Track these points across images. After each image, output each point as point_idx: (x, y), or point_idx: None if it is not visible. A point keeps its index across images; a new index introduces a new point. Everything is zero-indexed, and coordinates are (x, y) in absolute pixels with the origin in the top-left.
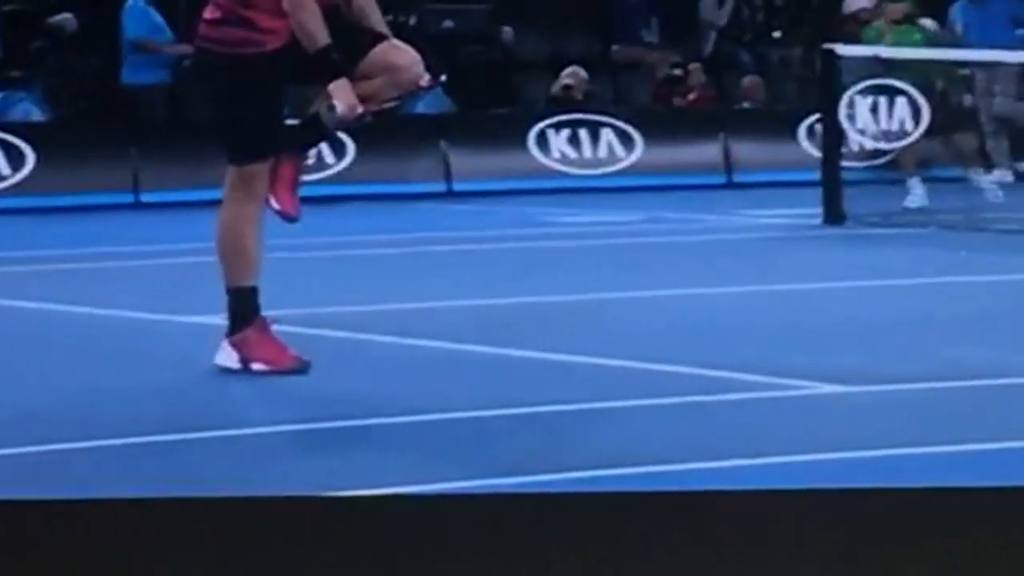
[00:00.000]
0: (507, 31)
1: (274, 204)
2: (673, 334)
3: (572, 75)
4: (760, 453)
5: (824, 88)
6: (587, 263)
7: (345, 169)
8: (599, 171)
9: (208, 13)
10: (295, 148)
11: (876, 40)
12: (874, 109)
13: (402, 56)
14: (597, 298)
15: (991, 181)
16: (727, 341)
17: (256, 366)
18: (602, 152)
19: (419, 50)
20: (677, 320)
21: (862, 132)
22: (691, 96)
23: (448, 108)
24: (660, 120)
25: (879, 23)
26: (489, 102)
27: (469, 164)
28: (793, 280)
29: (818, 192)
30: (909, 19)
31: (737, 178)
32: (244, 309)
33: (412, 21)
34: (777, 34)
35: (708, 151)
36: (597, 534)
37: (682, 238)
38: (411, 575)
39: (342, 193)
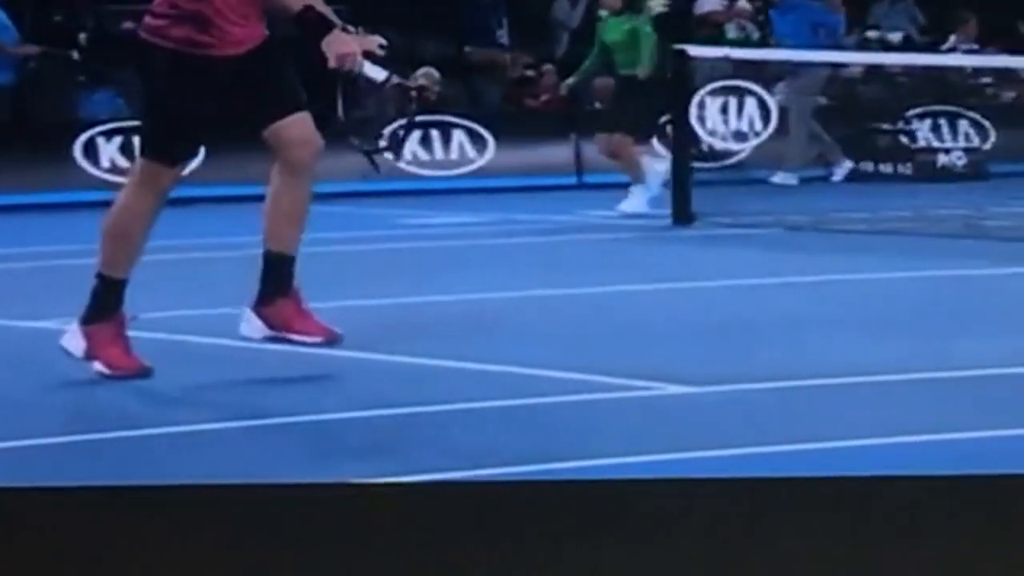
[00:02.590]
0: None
1: (108, 371)
2: (522, 336)
3: (425, 76)
4: (604, 454)
5: (675, 89)
6: (438, 265)
7: (196, 171)
8: (451, 172)
9: (159, 6)
10: (113, 310)
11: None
12: (724, 109)
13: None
14: (449, 300)
15: (784, 176)
16: (575, 342)
17: (97, 365)
18: (454, 153)
19: None
20: (526, 322)
21: (712, 133)
22: (543, 97)
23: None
24: (512, 121)
25: (603, 13)
26: (344, 104)
27: (319, 167)
28: (641, 281)
29: (668, 193)
30: (632, 7)
31: (588, 179)
32: (106, 301)
33: None
34: None
35: (560, 152)
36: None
37: (533, 239)
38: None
39: (197, 195)
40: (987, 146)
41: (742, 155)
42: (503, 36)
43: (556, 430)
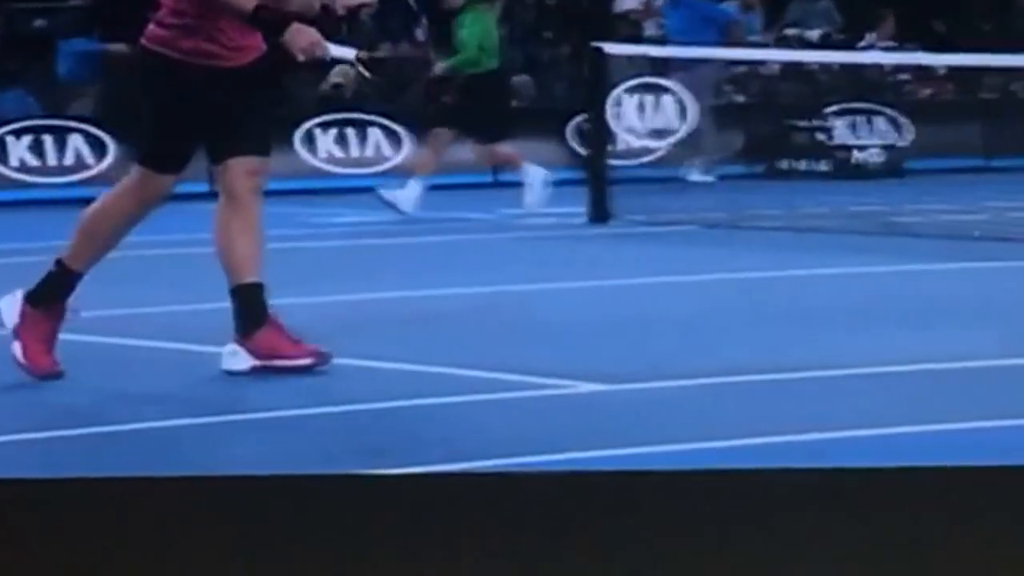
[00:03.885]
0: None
1: (21, 359)
2: (436, 334)
3: (342, 74)
4: (514, 453)
5: (592, 87)
6: (355, 263)
7: (106, 170)
8: (367, 171)
9: (166, 17)
10: (58, 298)
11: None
12: (641, 107)
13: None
14: (363, 298)
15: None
16: (489, 341)
17: (16, 347)
18: (370, 151)
19: None
20: (441, 320)
21: (629, 130)
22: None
23: None
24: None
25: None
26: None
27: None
28: (556, 279)
29: (585, 191)
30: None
31: (504, 177)
32: (56, 288)
33: None
34: (548, 34)
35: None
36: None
37: (448, 237)
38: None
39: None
40: (903, 143)
41: (659, 153)
42: (422, 34)
43: (471, 429)
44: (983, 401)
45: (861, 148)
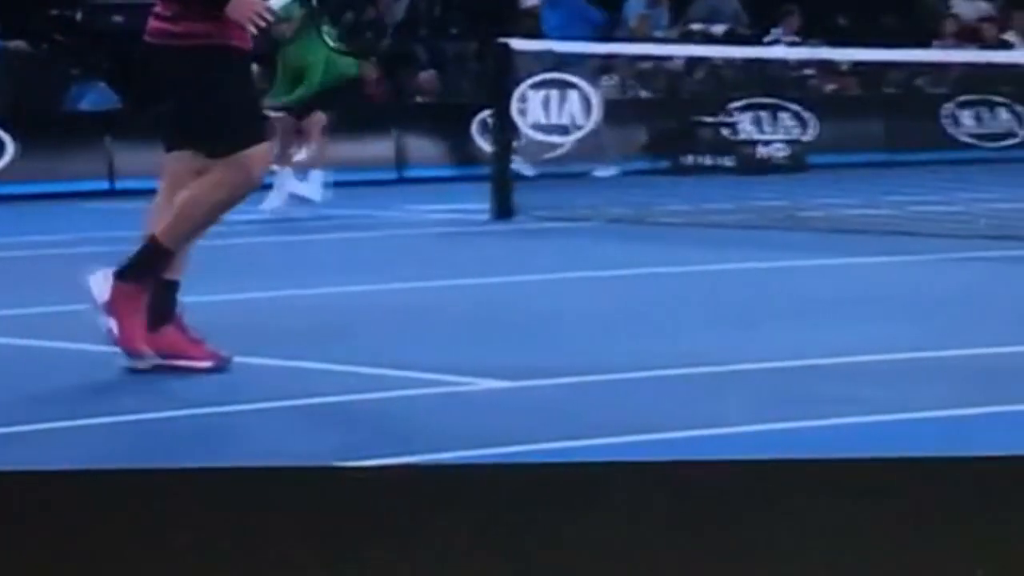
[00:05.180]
0: None
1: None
2: (334, 331)
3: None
4: (409, 451)
5: (497, 82)
6: (256, 260)
7: (4, 168)
8: (272, 167)
9: (162, 9)
10: (147, 276)
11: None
12: (546, 103)
13: None
14: (264, 296)
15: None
16: (388, 338)
17: (181, 361)
18: (274, 148)
19: (86, 46)
20: (339, 317)
21: (534, 126)
22: (364, 91)
23: (114, 105)
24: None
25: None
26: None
27: (135, 161)
28: (458, 276)
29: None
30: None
31: (409, 173)
32: (155, 272)
33: (79, 16)
34: (454, 30)
35: (380, 146)
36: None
37: (352, 234)
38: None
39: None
40: (807, 138)
41: (564, 149)
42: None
43: (369, 426)
44: (890, 394)
45: (766, 143)
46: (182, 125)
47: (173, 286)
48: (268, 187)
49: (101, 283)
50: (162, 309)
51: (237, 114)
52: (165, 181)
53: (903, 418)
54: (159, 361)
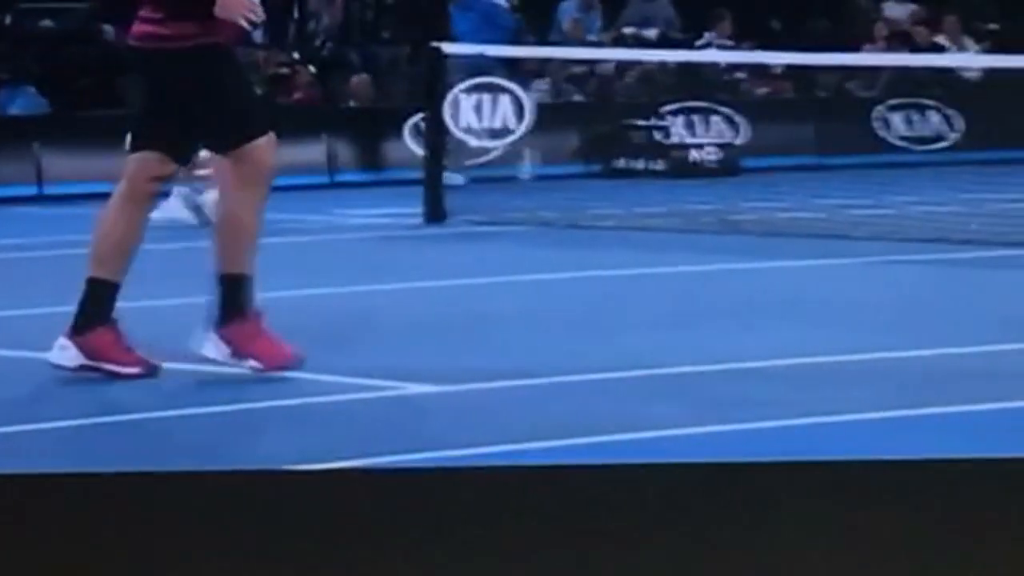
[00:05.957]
0: (108, 30)
1: (120, 370)
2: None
3: None
4: (341, 456)
5: (429, 86)
6: (186, 266)
7: None
8: (201, 172)
9: (148, 12)
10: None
11: None
12: (478, 107)
13: None
14: (194, 302)
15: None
16: (320, 343)
17: (252, 363)
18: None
19: (15, 51)
20: (273, 322)
21: (466, 130)
22: (297, 95)
23: (43, 109)
24: None
25: None
26: (88, 103)
27: (63, 167)
28: (390, 280)
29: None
30: None
31: (341, 178)
32: (238, 299)
33: (8, 20)
34: (386, 34)
35: (312, 151)
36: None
37: (284, 239)
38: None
39: None
40: (739, 141)
41: (497, 153)
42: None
43: (303, 431)
44: (818, 397)
45: (698, 147)
46: (177, 124)
47: (245, 281)
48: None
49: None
50: (101, 311)
51: (239, 108)
52: (125, 184)
53: (829, 421)
54: (86, 362)
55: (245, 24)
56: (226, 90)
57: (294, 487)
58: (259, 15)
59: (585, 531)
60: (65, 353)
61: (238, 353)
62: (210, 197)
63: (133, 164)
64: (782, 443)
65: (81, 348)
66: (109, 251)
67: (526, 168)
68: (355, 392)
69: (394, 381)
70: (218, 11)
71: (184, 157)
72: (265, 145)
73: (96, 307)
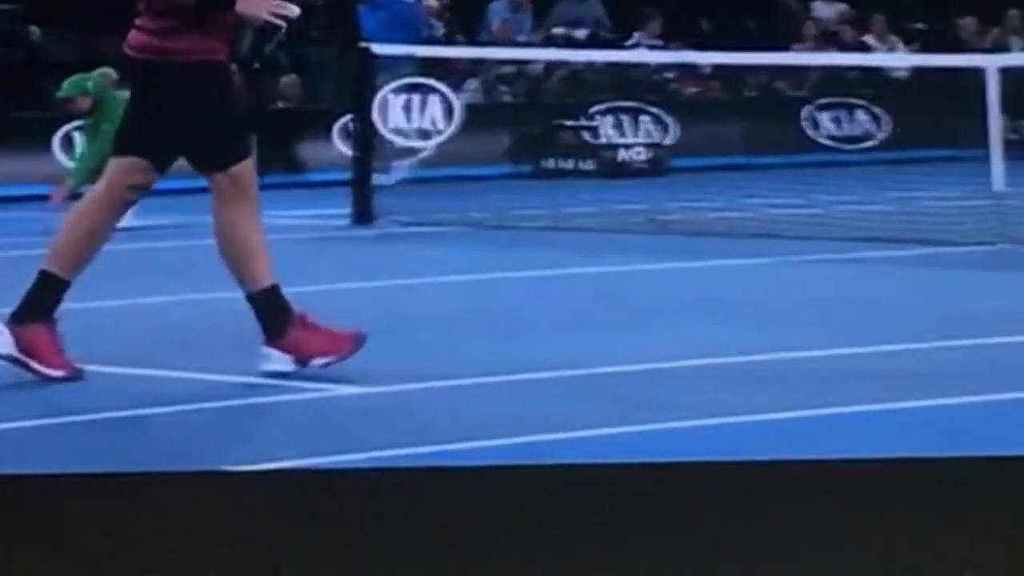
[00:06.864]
0: (34, 31)
1: (46, 371)
2: (196, 339)
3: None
4: (270, 459)
5: (358, 87)
6: (113, 267)
7: None
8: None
9: (148, 23)
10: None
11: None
12: (407, 107)
13: None
14: (121, 304)
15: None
16: (247, 345)
17: (319, 360)
18: None
19: None
20: (201, 324)
21: (395, 131)
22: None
23: None
24: None
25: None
26: (14, 104)
27: None
28: (317, 282)
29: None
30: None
31: (269, 179)
32: (278, 310)
33: None
34: (315, 34)
35: None
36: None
37: (211, 241)
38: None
39: None
40: (668, 141)
41: (426, 153)
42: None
43: (232, 433)
44: (735, 398)
45: (627, 147)
46: (168, 137)
47: (275, 291)
48: None
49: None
50: (44, 306)
51: (234, 125)
52: (103, 186)
53: (741, 421)
54: (15, 354)
55: (272, 19)
56: (222, 107)
57: (329, 484)
58: (292, 10)
59: (573, 530)
60: (271, 359)
61: (303, 358)
62: None
63: (117, 168)
64: (694, 444)
65: (15, 339)
66: (68, 247)
67: (397, 174)
68: (283, 394)
69: (322, 383)
70: (240, 6)
71: (165, 170)
72: (250, 160)
73: (40, 300)
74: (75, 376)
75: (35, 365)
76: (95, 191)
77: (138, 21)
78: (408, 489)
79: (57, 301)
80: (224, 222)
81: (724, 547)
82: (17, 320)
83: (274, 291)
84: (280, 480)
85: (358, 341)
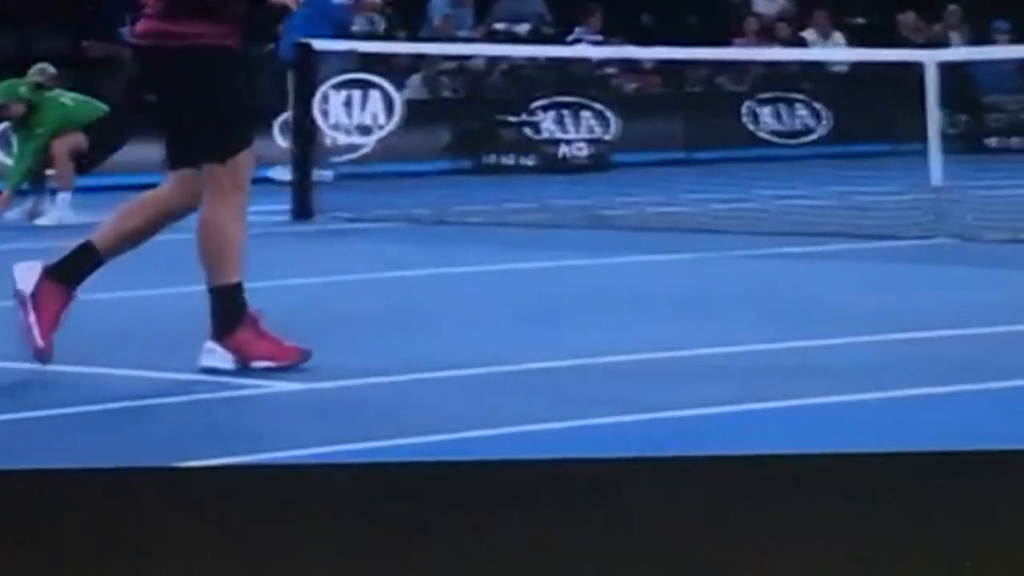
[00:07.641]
0: None
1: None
2: (131, 335)
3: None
4: (203, 455)
5: (298, 83)
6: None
7: None
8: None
9: (157, 5)
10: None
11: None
12: (348, 103)
13: None
14: None
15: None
16: (182, 341)
17: (259, 363)
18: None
19: None
20: (136, 321)
21: (335, 127)
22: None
23: None
24: (133, 118)
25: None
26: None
27: None
28: (255, 278)
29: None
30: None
31: None
32: (234, 308)
33: None
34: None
35: None
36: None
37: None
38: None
39: None
40: (610, 136)
41: (366, 149)
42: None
43: (166, 430)
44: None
45: (568, 142)
46: (180, 132)
47: (236, 289)
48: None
49: None
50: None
51: (239, 115)
52: (166, 198)
53: (679, 416)
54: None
55: (293, 5)
56: (229, 96)
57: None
58: None
59: (573, 526)
60: (214, 355)
61: (245, 359)
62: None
63: (174, 181)
64: (631, 439)
65: (36, 286)
66: (114, 234)
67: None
68: (219, 391)
69: (259, 379)
70: None
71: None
72: (250, 151)
73: (74, 267)
74: (42, 359)
75: (32, 319)
76: (160, 193)
77: (147, 9)
78: (373, 484)
79: (84, 275)
80: (210, 216)
81: (684, 545)
82: (48, 273)
83: (237, 289)
84: (254, 475)
85: (303, 356)
